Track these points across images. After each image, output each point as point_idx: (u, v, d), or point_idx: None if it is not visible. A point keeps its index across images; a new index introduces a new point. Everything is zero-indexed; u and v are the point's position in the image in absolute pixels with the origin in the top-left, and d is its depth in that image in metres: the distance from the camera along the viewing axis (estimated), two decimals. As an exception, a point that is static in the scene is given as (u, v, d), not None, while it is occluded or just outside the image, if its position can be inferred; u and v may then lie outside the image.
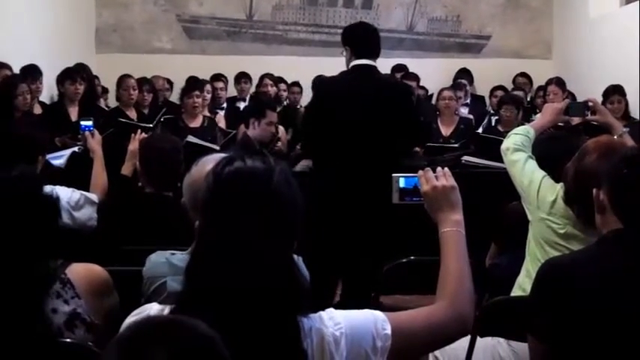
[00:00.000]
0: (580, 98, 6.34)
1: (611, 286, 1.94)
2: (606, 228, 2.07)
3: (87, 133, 4.24)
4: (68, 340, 2.16)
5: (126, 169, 3.92)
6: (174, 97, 8.01)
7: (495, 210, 3.76)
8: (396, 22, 9.58)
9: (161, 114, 6.37)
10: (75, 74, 6.23)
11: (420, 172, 1.97)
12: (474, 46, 9.68)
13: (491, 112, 7.76)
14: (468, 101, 8.23)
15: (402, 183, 2.06)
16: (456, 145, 6.18)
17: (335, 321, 1.63)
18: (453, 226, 1.88)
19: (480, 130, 6.98)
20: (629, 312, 1.90)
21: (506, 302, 2.78)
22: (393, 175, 2.07)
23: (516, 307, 2.59)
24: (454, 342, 1.87)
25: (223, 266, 1.56)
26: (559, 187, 2.86)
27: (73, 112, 6.08)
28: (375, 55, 4.40)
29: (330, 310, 1.67)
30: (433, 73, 8.83)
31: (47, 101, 6.68)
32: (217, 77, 8.08)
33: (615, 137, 3.16)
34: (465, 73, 8.80)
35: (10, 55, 6.07)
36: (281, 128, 5.84)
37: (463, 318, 1.78)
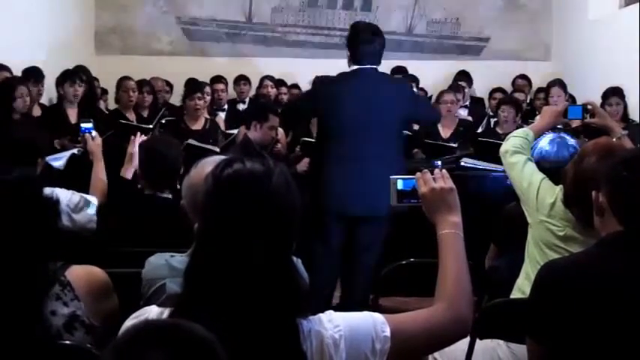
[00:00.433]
0: (579, 100, 6.33)
1: (610, 289, 1.94)
2: (605, 230, 2.07)
3: (87, 135, 4.23)
4: (67, 342, 2.16)
5: (125, 171, 3.93)
6: (174, 99, 8.02)
7: (494, 212, 3.76)
8: (395, 24, 9.58)
9: (160, 115, 6.37)
10: (74, 76, 6.22)
11: (418, 174, 1.98)
12: (473, 48, 9.68)
13: (491, 114, 7.76)
14: (467, 103, 8.23)
15: (400, 185, 2.06)
16: (455, 146, 6.18)
17: (334, 323, 1.63)
18: (451, 228, 1.88)
19: (478, 131, 6.99)
20: (628, 314, 1.90)
21: (506, 304, 2.78)
22: (391, 177, 2.07)
23: (515, 309, 2.59)
24: (453, 344, 1.87)
25: (222, 268, 1.56)
26: (558, 190, 2.87)
27: (72, 114, 6.07)
28: (377, 62, 4.36)
29: (330, 313, 1.67)
30: (432, 75, 8.84)
31: (46, 103, 6.68)
32: (218, 79, 8.08)
33: (614, 140, 3.16)
34: (464, 75, 8.80)
35: (9, 58, 6.07)
36: (280, 130, 5.85)
37: (462, 320, 1.78)
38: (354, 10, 9.59)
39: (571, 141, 3.32)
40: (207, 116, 6.65)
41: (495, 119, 7.05)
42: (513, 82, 8.81)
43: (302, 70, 8.39)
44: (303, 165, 5.31)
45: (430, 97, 8.37)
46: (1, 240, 2.17)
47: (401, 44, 9.52)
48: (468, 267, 1.85)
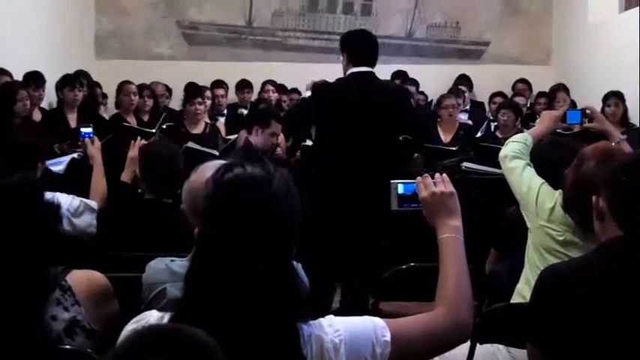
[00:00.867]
0: (580, 104, 6.35)
1: (611, 293, 1.93)
2: (606, 235, 2.07)
3: (86, 139, 4.24)
4: (68, 346, 2.16)
5: (125, 176, 3.93)
6: (173, 103, 8.03)
7: (495, 216, 3.76)
8: (395, 28, 9.59)
9: (161, 120, 6.38)
10: (74, 81, 6.23)
11: (419, 179, 1.98)
12: (473, 52, 9.68)
13: (491, 118, 7.77)
14: (468, 107, 8.24)
15: (400, 189, 2.06)
16: (454, 149, 6.18)
17: (334, 328, 1.63)
18: (451, 232, 1.88)
19: (478, 135, 6.99)
20: (628, 319, 1.90)
21: (506, 309, 2.78)
22: (392, 181, 2.07)
23: (516, 314, 2.59)
24: (453, 348, 1.87)
25: (223, 273, 1.56)
26: (557, 194, 2.87)
27: (72, 119, 6.08)
28: (372, 64, 4.38)
29: (330, 317, 1.67)
30: (432, 79, 8.84)
31: (46, 107, 6.68)
32: (218, 84, 8.08)
33: (613, 144, 3.16)
34: (464, 80, 8.80)
35: (9, 62, 6.07)
36: (280, 135, 5.86)
37: (462, 324, 1.78)
38: (353, 15, 9.60)
39: None
40: (208, 120, 6.66)
41: (495, 123, 7.05)
42: (513, 87, 8.81)
43: (302, 75, 8.37)
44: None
45: (430, 101, 8.39)
46: (1, 244, 2.16)
47: (401, 49, 9.53)
48: (469, 271, 1.85)
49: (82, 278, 2.26)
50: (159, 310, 1.72)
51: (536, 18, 9.64)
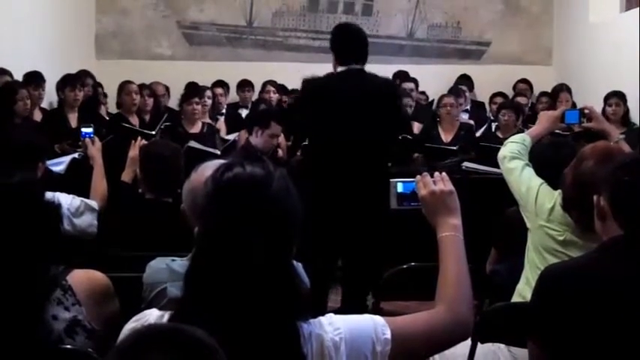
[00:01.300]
0: (580, 104, 6.34)
1: (612, 293, 1.93)
2: (607, 234, 2.07)
3: (87, 139, 4.24)
4: (68, 346, 2.16)
5: (126, 176, 3.93)
6: (172, 103, 8.04)
7: (496, 216, 3.75)
8: (396, 28, 9.59)
9: (163, 120, 6.38)
10: (75, 81, 6.24)
11: (418, 177, 1.98)
12: (474, 52, 9.69)
13: (492, 118, 7.77)
14: (468, 107, 8.23)
15: (400, 188, 2.06)
16: (454, 149, 6.18)
17: (334, 326, 1.63)
18: (451, 231, 1.88)
19: (478, 135, 6.99)
20: (629, 318, 1.90)
21: (507, 308, 2.78)
22: (391, 180, 2.07)
23: (517, 313, 2.59)
24: (453, 346, 1.87)
25: (222, 272, 1.56)
26: (557, 194, 2.86)
27: (73, 119, 6.09)
28: (361, 61, 4.37)
29: (330, 316, 1.67)
30: (433, 79, 8.84)
31: (47, 107, 6.68)
32: (218, 83, 8.08)
33: (611, 143, 3.16)
34: (465, 79, 8.81)
35: (10, 62, 6.08)
36: (281, 135, 5.86)
37: (462, 322, 1.78)
38: (354, 15, 9.59)
39: None
40: (208, 120, 6.66)
41: (496, 123, 7.05)
42: (514, 87, 8.81)
43: (303, 75, 8.37)
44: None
45: (432, 101, 8.39)
46: (2, 244, 2.16)
47: (402, 49, 9.54)
48: (469, 270, 1.85)
49: (82, 278, 2.26)
50: (159, 309, 1.72)
51: (537, 18, 9.64)
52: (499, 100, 7.95)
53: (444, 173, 1.98)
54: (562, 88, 7.74)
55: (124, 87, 6.68)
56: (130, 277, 2.48)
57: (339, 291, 4.62)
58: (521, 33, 9.62)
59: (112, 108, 7.45)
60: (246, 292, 1.54)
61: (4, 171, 2.42)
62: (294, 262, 1.66)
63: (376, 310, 3.34)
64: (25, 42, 6.84)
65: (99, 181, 3.93)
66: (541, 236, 2.89)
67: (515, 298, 2.95)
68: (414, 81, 8.02)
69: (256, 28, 9.56)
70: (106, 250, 3.32)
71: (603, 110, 6.65)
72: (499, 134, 6.50)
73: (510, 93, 8.56)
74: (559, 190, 2.84)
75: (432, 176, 1.97)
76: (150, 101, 7.02)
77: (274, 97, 7.97)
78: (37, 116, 6.10)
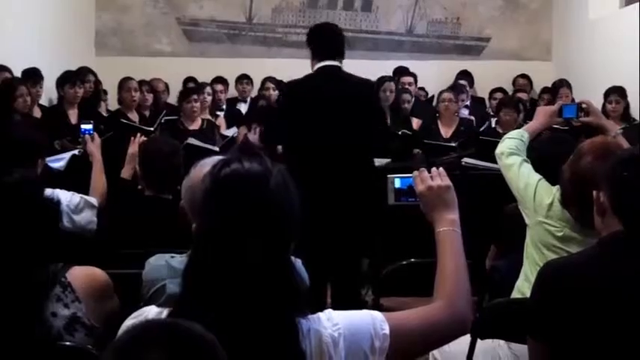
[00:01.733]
0: (579, 100, 6.34)
1: (611, 288, 1.93)
2: (606, 230, 2.07)
3: (86, 136, 4.24)
4: (68, 343, 2.16)
5: (125, 172, 3.93)
6: (172, 99, 8.04)
7: (495, 212, 3.75)
8: (395, 24, 9.58)
9: (161, 117, 6.38)
10: (75, 78, 6.24)
11: (415, 173, 1.98)
12: (474, 48, 9.68)
13: (491, 114, 7.76)
14: (468, 103, 8.23)
15: (397, 183, 2.06)
16: (454, 145, 6.17)
17: (333, 322, 1.63)
18: (448, 226, 1.88)
19: (478, 131, 6.98)
20: (629, 313, 1.90)
21: (507, 304, 2.78)
22: (388, 175, 2.07)
23: (516, 309, 2.59)
24: (452, 341, 1.87)
25: (221, 268, 1.56)
26: (555, 190, 2.86)
27: (73, 116, 6.08)
28: (339, 57, 4.37)
29: (329, 311, 1.67)
30: (433, 75, 8.83)
31: (46, 104, 6.68)
32: (218, 80, 8.08)
33: (609, 138, 3.15)
34: (465, 75, 8.80)
35: (9, 58, 6.08)
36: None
37: (461, 317, 1.78)
38: (354, 11, 9.59)
39: None
40: (208, 117, 6.66)
41: (496, 119, 7.04)
42: (514, 82, 8.81)
43: (302, 71, 8.36)
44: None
45: (432, 97, 8.38)
46: (1, 241, 2.17)
47: (401, 44, 9.53)
48: (467, 265, 1.85)
49: (82, 275, 2.26)
50: (158, 306, 1.72)
51: (536, 13, 9.63)
52: (499, 95, 7.95)
53: (441, 168, 1.98)
54: (562, 84, 7.74)
55: (123, 84, 6.68)
56: (130, 274, 2.49)
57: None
58: (521, 29, 9.61)
59: (112, 104, 7.45)
60: (244, 288, 1.54)
61: (3, 168, 2.42)
62: (294, 258, 1.66)
63: (376, 306, 3.34)
64: (25, 39, 6.84)
65: (98, 178, 3.93)
66: (540, 232, 2.88)
67: (515, 295, 2.95)
68: (413, 75, 8.00)
69: (256, 25, 9.56)
70: (106, 246, 3.32)
71: (603, 106, 6.65)
72: (499, 130, 6.49)
73: (510, 89, 8.55)
74: (557, 186, 2.84)
75: (429, 172, 1.96)
76: (149, 97, 7.03)
77: (274, 93, 7.96)
78: (36, 113, 6.10)
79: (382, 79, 6.85)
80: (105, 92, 7.65)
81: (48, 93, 6.69)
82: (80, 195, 3.63)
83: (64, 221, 3.32)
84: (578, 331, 1.94)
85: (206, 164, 2.23)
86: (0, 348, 2.06)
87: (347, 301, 4.21)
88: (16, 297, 2.11)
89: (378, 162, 5.08)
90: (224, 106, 7.97)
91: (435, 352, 2.97)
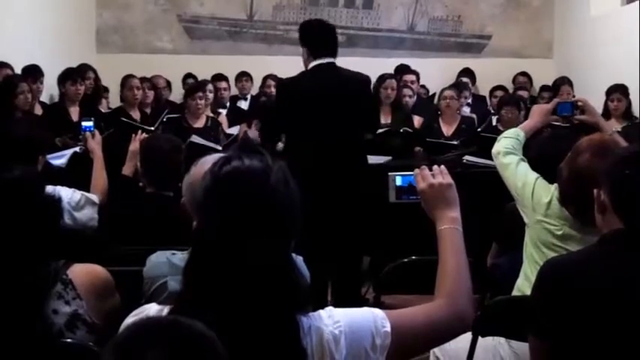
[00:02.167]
0: (576, 98, 6.33)
1: (612, 286, 1.93)
2: (607, 228, 2.06)
3: (87, 133, 4.24)
4: (69, 340, 2.16)
5: (127, 170, 3.93)
6: (173, 97, 8.03)
7: (496, 209, 3.75)
8: (396, 22, 9.57)
9: (163, 115, 6.38)
10: (76, 75, 6.24)
11: (416, 170, 1.98)
12: (475, 45, 9.67)
13: (492, 111, 7.75)
14: (470, 101, 8.22)
15: (398, 181, 2.06)
16: (456, 143, 6.17)
17: (334, 319, 1.63)
18: (449, 224, 1.88)
19: (479, 129, 6.97)
20: (629, 311, 1.90)
21: (507, 302, 2.78)
22: (390, 173, 2.07)
23: (518, 307, 2.59)
24: (453, 339, 1.86)
25: (221, 265, 1.56)
26: (553, 189, 2.85)
27: (74, 113, 6.08)
28: (332, 54, 4.37)
29: (330, 309, 1.67)
30: (434, 72, 8.82)
31: (47, 101, 6.68)
32: (221, 77, 8.08)
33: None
34: (467, 73, 8.79)
35: (10, 56, 6.08)
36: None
37: (462, 314, 1.78)
38: (355, 8, 9.58)
39: None
40: (210, 114, 6.67)
41: (497, 117, 7.04)
42: (514, 80, 8.80)
43: (303, 69, 8.36)
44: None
45: (433, 95, 8.37)
46: (2, 238, 2.16)
47: (402, 42, 9.52)
48: (468, 263, 1.85)
49: (83, 272, 2.26)
50: (160, 303, 1.72)
51: (537, 11, 9.62)
52: (499, 93, 7.94)
53: (442, 166, 1.98)
54: (563, 81, 7.73)
55: (125, 81, 6.68)
56: (131, 271, 2.49)
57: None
58: (522, 26, 9.60)
59: (113, 102, 7.45)
60: (245, 286, 1.54)
61: (4, 165, 2.42)
62: (295, 255, 1.66)
63: (377, 304, 3.34)
64: (26, 36, 6.84)
65: (99, 175, 3.93)
66: (539, 231, 2.88)
67: (515, 294, 2.95)
68: (416, 73, 8.00)
69: (257, 22, 9.55)
70: (107, 244, 3.32)
71: (605, 104, 6.64)
72: (500, 128, 6.48)
73: (511, 87, 8.54)
74: (555, 184, 2.83)
75: (430, 169, 1.96)
76: (150, 94, 7.03)
77: (275, 90, 7.96)
78: (37, 110, 6.09)
79: (383, 77, 6.85)
80: (106, 89, 7.65)
81: (49, 90, 6.69)
82: (81, 192, 3.63)
83: (65, 218, 3.31)
84: (579, 328, 1.94)
85: (207, 161, 2.23)
86: (1, 345, 2.06)
87: (348, 299, 4.22)
88: (17, 294, 2.11)
89: (375, 160, 5.09)
90: (227, 104, 7.98)
91: (436, 350, 2.97)
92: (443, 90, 6.97)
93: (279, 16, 9.56)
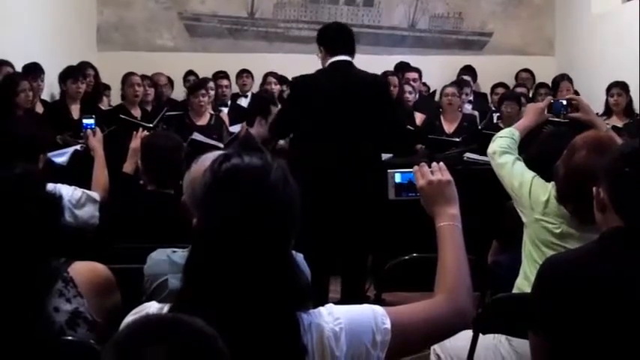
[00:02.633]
0: (583, 95, 6.32)
1: (612, 284, 1.93)
2: (607, 225, 2.06)
3: (88, 131, 4.25)
4: (70, 338, 2.16)
5: (127, 167, 3.93)
6: (175, 94, 8.02)
7: (497, 207, 3.75)
8: (397, 19, 9.57)
9: (162, 113, 6.38)
10: (77, 73, 6.24)
11: (416, 168, 1.98)
12: (476, 43, 9.66)
13: (493, 109, 7.75)
14: (471, 98, 8.22)
15: (397, 178, 2.06)
16: (458, 140, 6.17)
17: (334, 316, 1.63)
18: (449, 220, 1.88)
19: (480, 127, 6.97)
20: (629, 309, 1.90)
21: (508, 300, 2.78)
22: (389, 170, 2.07)
23: (518, 304, 2.59)
24: (453, 334, 1.86)
25: (221, 263, 1.56)
26: (551, 187, 2.85)
27: (75, 111, 6.08)
28: (350, 53, 4.39)
29: (330, 306, 1.67)
30: (435, 70, 8.81)
31: (48, 99, 6.68)
32: (222, 75, 8.08)
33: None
34: (468, 70, 8.78)
35: (11, 54, 6.07)
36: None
37: (462, 311, 1.78)
38: (356, 6, 9.58)
39: None
40: (212, 112, 6.67)
41: (497, 114, 7.03)
42: (516, 77, 8.79)
43: (304, 66, 8.35)
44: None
45: (434, 92, 8.37)
46: (3, 236, 2.17)
47: (403, 39, 9.52)
48: (469, 261, 1.85)
49: (84, 270, 2.26)
50: (160, 301, 1.72)
51: (539, 8, 9.62)
52: (500, 90, 7.94)
53: (441, 163, 1.98)
54: (563, 78, 7.71)
55: (126, 79, 6.68)
56: (131, 269, 2.49)
57: (339, 282, 4.62)
58: (524, 24, 9.60)
59: (114, 99, 7.45)
60: (245, 283, 1.54)
61: (5, 163, 2.42)
62: (295, 252, 1.66)
63: (378, 301, 3.35)
64: (26, 34, 6.84)
65: (100, 173, 3.93)
66: (537, 230, 2.87)
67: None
68: (418, 71, 7.99)
69: (258, 20, 9.55)
70: (108, 241, 3.32)
71: (606, 101, 6.63)
72: (501, 124, 6.48)
73: (512, 84, 8.54)
74: (552, 183, 2.83)
75: (429, 166, 1.96)
76: (151, 92, 7.03)
77: (275, 88, 7.96)
78: (38, 108, 6.10)
79: (384, 74, 6.84)
80: (107, 87, 7.65)
81: (50, 88, 6.69)
82: (82, 190, 3.64)
83: (66, 216, 3.31)
84: (580, 326, 1.94)
85: (207, 159, 2.22)
86: (2, 343, 2.06)
87: (355, 297, 4.23)
88: (18, 292, 2.11)
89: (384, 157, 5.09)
90: (229, 102, 7.98)
91: (437, 347, 2.97)
92: (444, 87, 6.96)
93: (279, 13, 9.56)
